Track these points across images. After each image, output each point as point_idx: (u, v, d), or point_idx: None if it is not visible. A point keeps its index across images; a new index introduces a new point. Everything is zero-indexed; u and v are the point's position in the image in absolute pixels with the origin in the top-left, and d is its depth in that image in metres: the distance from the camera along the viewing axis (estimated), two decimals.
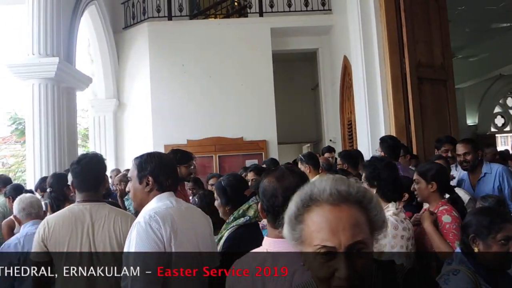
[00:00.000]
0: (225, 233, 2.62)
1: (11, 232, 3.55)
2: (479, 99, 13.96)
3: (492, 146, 6.19)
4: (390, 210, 2.51)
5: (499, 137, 14.47)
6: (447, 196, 2.93)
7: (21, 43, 7.09)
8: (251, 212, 2.62)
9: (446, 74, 6.26)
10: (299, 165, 4.63)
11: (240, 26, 9.07)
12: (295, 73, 11.15)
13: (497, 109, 14.54)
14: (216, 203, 2.75)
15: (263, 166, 5.39)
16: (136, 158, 2.23)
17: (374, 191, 2.59)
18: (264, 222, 2.81)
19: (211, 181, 5.12)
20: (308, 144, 12.25)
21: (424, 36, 6.08)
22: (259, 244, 2.48)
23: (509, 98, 14.63)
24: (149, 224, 2.01)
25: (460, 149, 4.07)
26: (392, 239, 2.27)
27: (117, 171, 6.56)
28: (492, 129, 14.41)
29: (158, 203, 2.12)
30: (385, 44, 5.94)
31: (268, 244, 1.56)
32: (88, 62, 9.01)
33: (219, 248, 2.54)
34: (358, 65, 6.37)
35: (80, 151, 9.07)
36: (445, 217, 2.71)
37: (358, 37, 6.30)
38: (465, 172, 4.08)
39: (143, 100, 8.88)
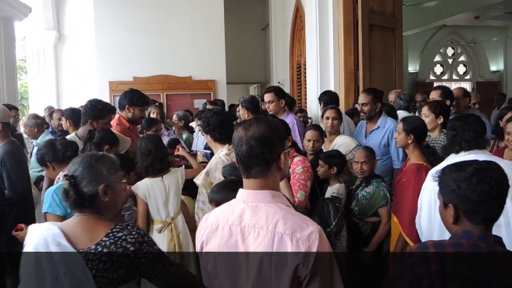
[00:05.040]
0: None
1: None
2: (421, 47, 14.37)
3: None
4: (223, 151, 2.97)
5: (436, 85, 15.07)
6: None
7: None
8: None
9: (396, 23, 6.37)
10: (239, 108, 4.67)
11: None
12: (246, 12, 10.92)
13: (437, 58, 15.05)
14: None
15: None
16: None
17: (208, 137, 3.02)
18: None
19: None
20: (256, 85, 12.26)
21: None
22: None
23: (449, 48, 15.15)
24: None
25: (360, 99, 4.28)
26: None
27: (49, 109, 6.60)
28: (431, 77, 14.99)
29: None
30: None
31: (246, 196, 1.51)
32: None
33: None
34: (311, 8, 6.29)
35: None
36: (298, 168, 2.99)
37: None
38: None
39: (86, 33, 8.43)
